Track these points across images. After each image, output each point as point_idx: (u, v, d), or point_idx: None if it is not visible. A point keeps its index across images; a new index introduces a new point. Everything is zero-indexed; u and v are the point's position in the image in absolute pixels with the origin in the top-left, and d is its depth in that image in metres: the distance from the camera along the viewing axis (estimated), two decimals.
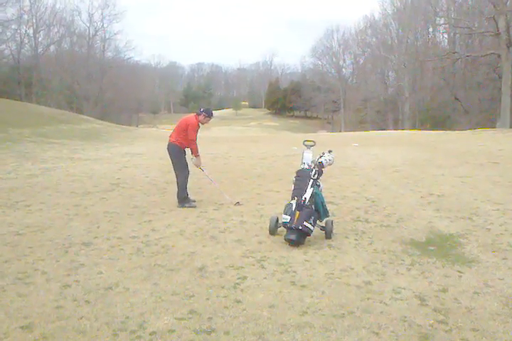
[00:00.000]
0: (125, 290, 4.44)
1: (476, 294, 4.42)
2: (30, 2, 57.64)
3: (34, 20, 58.64)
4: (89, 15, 68.74)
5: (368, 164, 13.39)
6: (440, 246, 5.88)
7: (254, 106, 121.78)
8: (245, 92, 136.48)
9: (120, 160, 14.33)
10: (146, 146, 19.39)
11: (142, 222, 6.93)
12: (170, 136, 8.26)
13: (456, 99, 49.76)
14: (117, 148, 18.34)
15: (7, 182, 10.23)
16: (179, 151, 8.19)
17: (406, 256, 5.50)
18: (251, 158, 15.40)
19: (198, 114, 8.18)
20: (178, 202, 8.10)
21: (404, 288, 4.53)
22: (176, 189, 8.19)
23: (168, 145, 8.20)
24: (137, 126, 66.31)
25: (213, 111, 8.51)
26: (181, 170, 8.17)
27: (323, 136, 30.84)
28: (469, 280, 4.76)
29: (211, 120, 8.47)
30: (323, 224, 6.20)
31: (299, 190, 6.07)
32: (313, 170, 6.16)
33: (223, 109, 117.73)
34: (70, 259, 5.26)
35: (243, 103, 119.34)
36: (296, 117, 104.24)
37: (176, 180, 8.24)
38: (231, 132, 63.18)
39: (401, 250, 5.71)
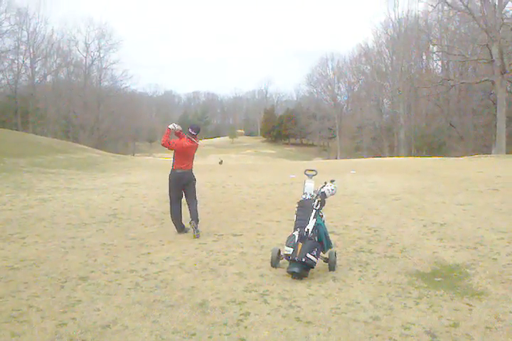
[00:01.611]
0: (124, 328, 4.26)
1: (488, 329, 4.26)
2: (27, 33, 58.51)
3: (31, 51, 59.39)
4: (86, 45, 69.74)
5: (368, 192, 13.28)
6: (447, 278, 5.72)
7: (250, 134, 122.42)
8: (241, 120, 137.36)
9: (117, 190, 14.17)
10: (143, 175, 19.26)
11: (140, 255, 6.76)
12: (178, 164, 8.16)
13: (452, 125, 50.13)
14: (114, 178, 18.21)
15: (2, 213, 10.05)
16: (195, 177, 8.35)
17: (413, 288, 5.34)
18: (249, 186, 15.28)
19: (191, 134, 8.28)
20: (197, 222, 8.01)
21: (413, 324, 4.36)
22: (190, 215, 8.15)
23: (186, 173, 8.18)
24: (134, 155, 66.40)
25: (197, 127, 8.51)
26: (196, 195, 8.31)
27: (319, 164, 30.84)
28: (480, 314, 4.60)
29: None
30: (326, 255, 6.05)
31: (301, 221, 5.94)
32: (316, 201, 6.04)
33: (219, 137, 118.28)
34: (66, 295, 5.09)
35: (239, 131, 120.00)
36: (292, 144, 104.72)
37: (190, 208, 8.21)
38: (227, 160, 63.18)
39: (407, 282, 5.55)
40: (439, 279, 5.66)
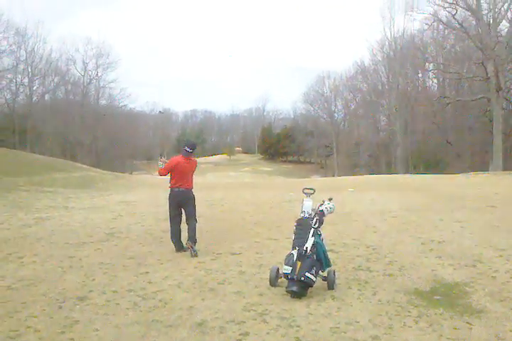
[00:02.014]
0: None
1: None
2: (26, 52, 58.80)
3: (29, 70, 59.57)
4: (83, 64, 70.04)
5: (366, 210, 13.29)
6: (446, 296, 5.72)
7: (247, 152, 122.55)
8: (238, 138, 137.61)
9: (115, 209, 14.16)
10: (141, 194, 19.25)
11: (138, 274, 6.74)
12: (177, 182, 8.16)
13: (448, 142, 50.30)
14: (112, 196, 18.19)
15: (0, 233, 10.02)
16: (194, 196, 8.36)
17: (412, 307, 5.33)
18: (247, 204, 15.28)
19: (187, 152, 8.27)
20: (194, 243, 7.99)
21: None
22: (187, 234, 8.09)
23: (185, 192, 8.18)
24: (131, 173, 66.32)
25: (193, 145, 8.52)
26: (195, 213, 8.30)
27: (317, 181, 30.87)
28: (480, 332, 4.59)
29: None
30: (325, 274, 6.04)
31: (300, 240, 5.94)
32: (314, 219, 6.05)
33: (217, 154, 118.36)
34: (64, 315, 5.06)
35: (236, 148, 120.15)
36: (290, 162, 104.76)
37: (188, 227, 8.16)
38: (225, 178, 63.16)
39: (406, 300, 5.54)
40: (438, 297, 5.65)
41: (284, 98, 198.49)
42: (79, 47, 69.90)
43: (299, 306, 5.36)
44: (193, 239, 8.02)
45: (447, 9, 40.60)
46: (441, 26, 46.17)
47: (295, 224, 6.22)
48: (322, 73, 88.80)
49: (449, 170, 41.74)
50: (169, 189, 8.26)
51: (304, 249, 5.81)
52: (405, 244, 8.62)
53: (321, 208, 6.18)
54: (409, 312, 5.16)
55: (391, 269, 6.90)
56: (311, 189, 6.63)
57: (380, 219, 11.62)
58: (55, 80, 65.00)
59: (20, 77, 58.87)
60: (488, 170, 34.37)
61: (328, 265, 6.10)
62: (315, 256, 5.87)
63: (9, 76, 56.40)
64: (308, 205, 6.33)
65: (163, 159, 8.40)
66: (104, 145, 66.16)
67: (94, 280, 6.45)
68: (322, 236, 6.18)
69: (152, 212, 13.24)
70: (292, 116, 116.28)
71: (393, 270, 6.86)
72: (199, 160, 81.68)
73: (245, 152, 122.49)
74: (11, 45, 55.43)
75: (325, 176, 67.15)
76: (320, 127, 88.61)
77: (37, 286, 6.16)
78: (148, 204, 15.34)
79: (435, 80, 58.17)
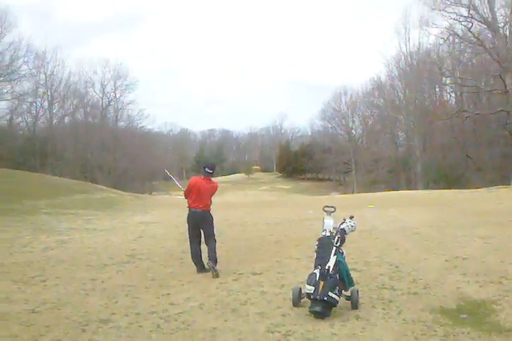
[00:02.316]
0: None
1: None
2: (45, 76, 59.98)
3: (49, 93, 60.71)
4: (102, 87, 71.15)
5: (387, 227, 13.18)
6: (473, 314, 5.59)
7: (265, 170, 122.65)
8: (257, 156, 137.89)
9: (135, 230, 14.23)
10: (161, 214, 19.35)
11: (160, 296, 6.73)
12: (195, 203, 8.18)
13: (468, 156, 49.80)
14: (132, 217, 18.31)
15: (23, 256, 10.12)
16: (212, 216, 8.32)
17: (438, 326, 5.22)
18: (267, 223, 15.26)
19: (207, 172, 8.29)
20: (215, 263, 7.95)
21: None
22: (208, 255, 8.09)
23: (202, 213, 8.19)
24: (151, 194, 66.67)
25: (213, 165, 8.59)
26: (214, 233, 8.27)
27: (336, 198, 30.74)
28: None
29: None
30: (348, 293, 5.97)
31: (322, 259, 5.89)
32: (336, 238, 6.00)
33: (235, 173, 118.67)
34: (87, 338, 5.06)
35: (255, 167, 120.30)
36: (308, 179, 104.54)
37: (208, 248, 8.17)
38: (244, 197, 63.26)
39: (432, 319, 5.43)
40: (464, 316, 5.54)
41: (301, 115, 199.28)
42: (97, 69, 71.14)
43: (323, 326, 5.29)
44: (213, 259, 8.01)
45: (463, 23, 40.66)
46: (457, 40, 46.14)
47: (316, 243, 6.18)
48: (339, 89, 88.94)
49: (470, 184, 41.28)
50: (187, 209, 8.30)
51: (327, 268, 5.76)
52: (429, 261, 8.50)
53: (342, 226, 6.13)
54: (435, 331, 5.05)
55: (415, 287, 6.79)
56: (331, 207, 6.59)
57: (401, 236, 11.50)
58: (74, 103, 66.15)
59: (40, 100, 60.12)
60: (509, 184, 33.90)
61: (351, 284, 6.03)
62: (338, 276, 5.81)
63: (29, 99, 57.52)
64: (330, 223, 6.30)
65: (176, 182, 8.50)
66: (123, 166, 66.70)
67: (116, 302, 6.46)
68: (344, 254, 6.13)
69: (172, 232, 13.28)
70: (310, 134, 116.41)
71: (417, 288, 6.75)
72: (218, 179, 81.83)
73: (263, 170, 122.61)
74: (31, 69, 56.66)
75: (344, 193, 66.85)
76: (338, 144, 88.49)
77: (60, 309, 6.17)
78: (168, 224, 15.41)
79: (453, 94, 57.92)
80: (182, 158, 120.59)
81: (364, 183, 71.18)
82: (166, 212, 20.17)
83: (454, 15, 41.76)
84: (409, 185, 56.89)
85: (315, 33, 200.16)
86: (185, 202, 8.45)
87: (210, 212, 8.35)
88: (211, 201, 8.38)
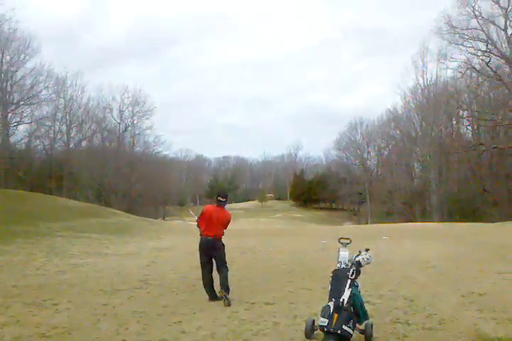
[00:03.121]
0: None
1: None
2: (64, 100, 61.00)
3: (68, 117, 61.58)
4: (120, 112, 72.06)
5: (401, 259, 13.02)
6: None
7: (279, 198, 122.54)
8: (270, 184, 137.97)
9: (148, 255, 14.21)
10: (174, 240, 19.31)
11: (172, 324, 6.66)
12: (206, 231, 8.17)
13: (485, 190, 49.35)
14: (145, 243, 18.30)
15: (36, 278, 10.13)
16: (223, 245, 8.29)
17: None
18: (280, 252, 15.15)
19: (220, 201, 8.32)
20: (227, 292, 7.91)
21: None
22: (219, 283, 8.04)
23: (213, 241, 8.15)
24: (164, 219, 66.78)
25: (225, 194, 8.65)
26: (225, 261, 8.23)
27: (350, 229, 30.51)
28: None
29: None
30: (362, 327, 5.87)
31: (336, 291, 5.82)
32: (351, 270, 5.94)
33: (249, 201, 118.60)
34: None
35: (268, 195, 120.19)
36: (322, 209, 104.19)
37: (221, 273, 8.13)
38: (257, 224, 62.97)
39: None
40: None
41: (316, 145, 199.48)
42: (116, 95, 72.01)
43: None
44: (225, 287, 7.96)
45: (481, 57, 40.87)
46: (474, 74, 46.33)
47: (331, 274, 6.11)
48: (354, 120, 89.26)
49: (486, 218, 40.83)
50: (200, 237, 8.30)
51: (341, 300, 5.68)
52: (444, 296, 8.35)
53: (357, 259, 6.07)
54: None
55: (430, 322, 6.66)
56: (347, 238, 6.55)
57: (417, 269, 11.34)
58: (92, 127, 66.98)
59: (58, 124, 60.92)
60: None
61: (366, 317, 5.94)
62: (352, 309, 5.73)
63: (48, 123, 58.37)
64: (345, 255, 6.24)
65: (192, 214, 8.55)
66: (137, 191, 67.05)
67: (127, 329, 6.41)
68: (359, 287, 6.05)
69: (185, 259, 13.22)
70: (324, 163, 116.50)
71: (433, 323, 6.62)
72: (231, 206, 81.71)
73: (277, 198, 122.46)
74: (50, 94, 57.69)
75: (358, 223, 66.38)
76: (353, 174, 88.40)
77: (71, 334, 6.14)
78: (181, 250, 15.36)
79: (470, 127, 57.77)
80: (196, 185, 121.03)
81: (378, 214, 70.70)
82: (180, 238, 20.12)
83: (471, 50, 42.13)
84: (424, 217, 56.32)
85: (332, 63, 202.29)
86: (197, 229, 8.45)
87: (222, 240, 8.32)
88: (223, 230, 8.36)
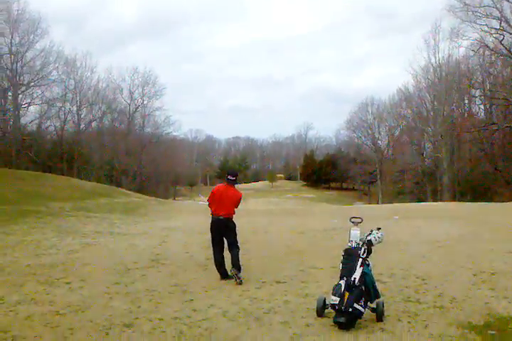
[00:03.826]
0: None
1: None
2: (74, 81, 60.90)
3: (78, 99, 61.56)
4: (130, 93, 71.92)
5: (413, 239, 12.98)
6: (502, 331, 5.44)
7: (289, 179, 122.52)
8: (280, 165, 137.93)
9: (159, 235, 14.28)
10: (184, 220, 19.38)
11: (184, 302, 6.71)
12: (217, 210, 8.16)
13: (497, 169, 48.95)
14: (156, 222, 18.39)
15: (48, 257, 10.23)
16: (235, 224, 8.29)
17: None
18: (290, 232, 15.17)
19: (230, 180, 8.33)
20: (239, 271, 7.94)
21: None
22: (231, 262, 8.05)
23: (224, 220, 8.15)
24: (174, 199, 67.03)
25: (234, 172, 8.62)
26: (237, 241, 8.25)
27: (360, 208, 30.46)
28: None
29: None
30: (373, 305, 5.87)
31: (347, 270, 5.81)
32: (362, 249, 5.92)
33: (259, 181, 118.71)
34: None
35: (279, 175, 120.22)
36: (332, 189, 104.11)
37: (233, 252, 8.13)
38: (268, 204, 63.14)
39: (460, 335, 5.30)
40: (493, 332, 5.39)
41: (326, 125, 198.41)
42: (125, 76, 71.79)
43: (348, 338, 5.21)
44: (237, 266, 7.98)
45: (494, 35, 40.21)
46: (487, 52, 45.62)
47: (343, 253, 6.10)
48: (365, 100, 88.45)
49: (497, 198, 40.59)
50: (211, 216, 8.30)
51: (352, 279, 5.68)
52: (456, 275, 8.33)
53: (369, 237, 6.05)
54: None
55: (442, 301, 6.65)
56: (358, 218, 6.52)
57: (428, 248, 11.31)
58: (102, 108, 66.90)
59: (68, 105, 60.96)
60: None
61: (377, 296, 5.93)
62: (363, 287, 5.73)
63: (58, 104, 58.45)
64: (356, 234, 6.22)
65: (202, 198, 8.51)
66: (148, 172, 67.27)
67: (140, 307, 6.46)
68: (370, 266, 6.04)
69: (196, 238, 13.28)
70: (335, 143, 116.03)
71: (444, 302, 6.61)
72: (241, 186, 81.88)
73: (287, 179, 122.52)
74: (60, 75, 57.65)
75: (368, 203, 66.31)
76: (363, 154, 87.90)
77: (84, 312, 6.21)
78: (191, 230, 15.42)
79: (482, 106, 57.09)
80: (206, 165, 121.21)
81: (389, 194, 70.51)
82: (190, 218, 20.19)
83: (485, 28, 41.41)
84: (435, 197, 56.11)
85: (343, 43, 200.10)
86: (208, 209, 8.44)
87: (233, 219, 8.33)
88: (234, 209, 8.35)
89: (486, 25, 41.58)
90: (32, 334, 5.31)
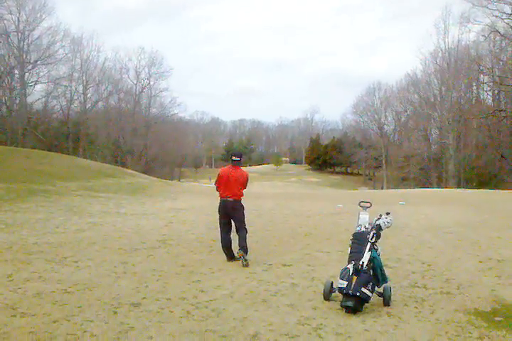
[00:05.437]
0: None
1: None
2: (81, 60, 60.81)
3: (84, 78, 61.55)
4: (136, 73, 71.82)
5: (419, 224, 12.98)
6: (508, 317, 5.45)
7: (294, 162, 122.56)
8: (286, 148, 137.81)
9: (165, 216, 14.32)
10: (190, 201, 19.41)
11: (191, 282, 6.74)
12: (225, 192, 8.15)
13: (503, 157, 48.75)
14: (162, 203, 18.43)
15: (55, 236, 10.28)
16: (243, 206, 8.29)
17: (472, 328, 5.10)
18: (296, 215, 15.19)
19: (234, 161, 8.31)
20: (245, 253, 7.95)
21: None
22: (238, 244, 8.05)
23: (232, 202, 8.14)
24: (179, 180, 67.20)
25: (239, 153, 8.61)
26: (244, 223, 8.25)
27: (365, 194, 30.47)
28: None
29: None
30: (381, 290, 5.88)
31: (356, 254, 5.81)
32: (371, 233, 5.91)
33: (264, 164, 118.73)
34: (119, 321, 5.09)
35: (284, 159, 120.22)
36: (337, 173, 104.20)
37: (240, 234, 8.13)
38: (272, 188, 63.17)
39: (466, 321, 5.31)
40: (499, 319, 5.41)
41: (333, 110, 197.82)
42: (132, 56, 71.80)
43: (354, 322, 5.23)
44: (244, 248, 8.00)
45: (505, 20, 39.73)
46: (498, 38, 45.11)
47: (351, 237, 6.09)
48: (373, 84, 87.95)
49: (503, 185, 40.48)
50: (219, 199, 8.29)
51: (360, 263, 5.68)
52: (462, 262, 8.33)
53: (378, 222, 6.04)
54: (469, 333, 4.94)
55: (448, 287, 6.66)
56: (367, 202, 6.50)
57: (434, 234, 11.30)
58: (109, 88, 66.90)
59: (75, 84, 60.96)
60: None
61: (385, 281, 5.94)
62: (371, 271, 5.73)
63: (65, 83, 58.38)
64: (365, 219, 6.21)
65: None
66: (153, 153, 67.37)
67: (147, 286, 6.49)
68: (379, 250, 6.03)
69: (202, 220, 13.33)
70: (341, 128, 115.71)
71: (451, 288, 6.62)
72: (246, 168, 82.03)
73: (292, 162, 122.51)
74: (67, 54, 57.51)
75: (373, 188, 66.25)
76: (369, 139, 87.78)
77: (92, 291, 6.24)
78: (198, 212, 15.45)
79: (490, 93, 56.64)
80: (212, 147, 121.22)
81: (394, 179, 70.51)
82: (196, 200, 20.22)
83: (496, 12, 40.87)
84: (440, 183, 56.06)
85: (351, 27, 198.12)
86: (214, 191, 8.44)
87: (242, 201, 8.32)
88: (243, 191, 8.34)
89: (498, 10, 41.05)
90: (41, 311, 5.35)
